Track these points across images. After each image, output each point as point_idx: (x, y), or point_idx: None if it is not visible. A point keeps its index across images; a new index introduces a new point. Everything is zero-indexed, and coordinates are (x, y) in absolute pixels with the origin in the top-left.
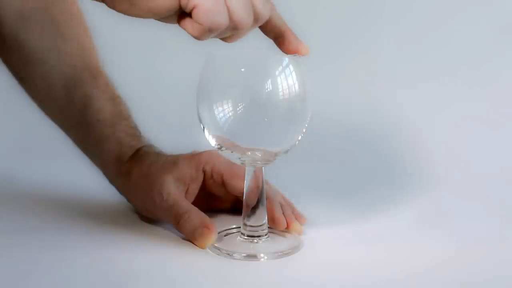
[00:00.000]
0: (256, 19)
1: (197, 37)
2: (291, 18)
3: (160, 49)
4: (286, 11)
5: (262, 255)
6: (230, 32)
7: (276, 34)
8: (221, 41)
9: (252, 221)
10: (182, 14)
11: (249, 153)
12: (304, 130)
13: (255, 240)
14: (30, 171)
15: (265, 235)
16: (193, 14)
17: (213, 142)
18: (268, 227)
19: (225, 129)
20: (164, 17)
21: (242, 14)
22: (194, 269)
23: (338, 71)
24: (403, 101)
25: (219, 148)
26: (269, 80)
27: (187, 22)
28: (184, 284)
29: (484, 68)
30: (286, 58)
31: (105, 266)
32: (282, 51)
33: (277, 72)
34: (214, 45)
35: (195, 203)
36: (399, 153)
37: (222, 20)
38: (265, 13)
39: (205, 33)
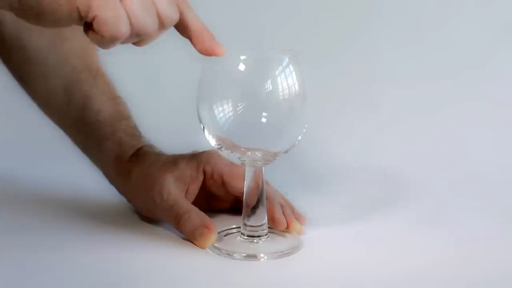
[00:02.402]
0: (162, 23)
1: (102, 47)
2: (291, 18)
3: (160, 49)
4: (287, 11)
5: (262, 255)
6: (135, 39)
7: (190, 34)
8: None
9: (252, 221)
10: (87, 24)
11: (249, 153)
12: (304, 130)
13: (255, 240)
14: (30, 171)
15: (265, 235)
16: (94, 25)
17: (213, 142)
18: (268, 227)
19: (225, 129)
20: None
21: (144, 21)
22: (194, 269)
23: (338, 71)
24: (403, 101)
25: (219, 148)
26: (269, 80)
27: (90, 33)
28: (184, 284)
29: (484, 68)
30: (286, 58)
31: (105, 266)
32: (196, 50)
33: (277, 72)
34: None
35: (195, 203)
36: (399, 152)
37: (123, 29)
38: (171, 16)
39: (108, 43)
